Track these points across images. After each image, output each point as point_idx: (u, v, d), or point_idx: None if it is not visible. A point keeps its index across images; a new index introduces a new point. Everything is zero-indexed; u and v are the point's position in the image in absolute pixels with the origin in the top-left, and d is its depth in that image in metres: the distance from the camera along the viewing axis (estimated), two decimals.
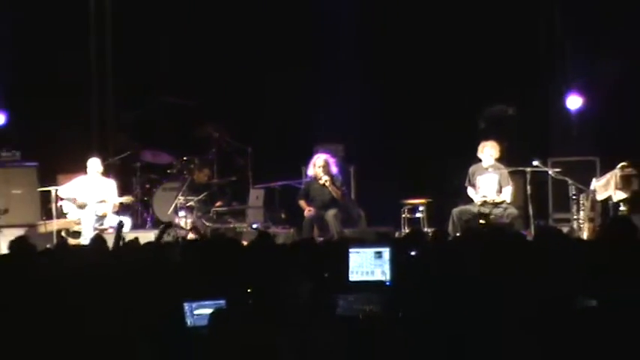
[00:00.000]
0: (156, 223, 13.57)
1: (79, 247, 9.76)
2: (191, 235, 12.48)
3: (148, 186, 14.22)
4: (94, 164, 12.97)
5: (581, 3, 13.96)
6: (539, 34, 14.35)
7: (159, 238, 9.98)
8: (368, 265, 7.09)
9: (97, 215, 12.66)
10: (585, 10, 13.91)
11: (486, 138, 12.67)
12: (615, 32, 13.48)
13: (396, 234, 12.31)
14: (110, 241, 8.78)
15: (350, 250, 7.20)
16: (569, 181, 12.53)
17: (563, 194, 12.79)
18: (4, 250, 11.53)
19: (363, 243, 8.16)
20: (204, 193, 13.55)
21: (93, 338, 5.11)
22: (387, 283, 6.96)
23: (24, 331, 5.17)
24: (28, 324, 5.22)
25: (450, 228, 11.97)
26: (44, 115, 14.19)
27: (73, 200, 12.73)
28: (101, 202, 12.74)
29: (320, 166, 12.71)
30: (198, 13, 14.76)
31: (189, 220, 13.16)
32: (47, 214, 13.02)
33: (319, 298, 5.40)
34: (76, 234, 12.62)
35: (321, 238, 11.56)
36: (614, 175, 11.97)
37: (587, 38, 13.91)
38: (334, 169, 12.81)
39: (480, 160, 12.44)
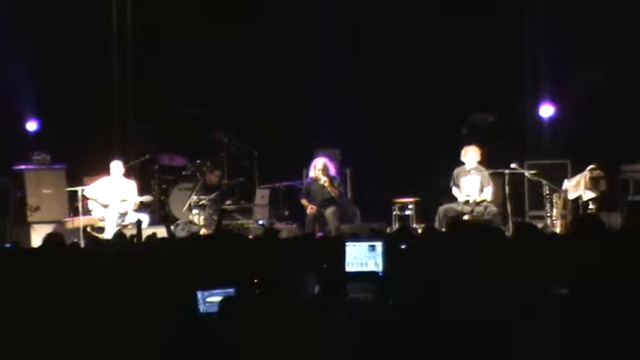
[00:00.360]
0: (172, 220, 13.57)
1: (103, 241, 9.76)
2: (204, 231, 12.49)
3: (164, 186, 14.22)
4: (117, 167, 12.96)
5: (554, 25, 14.02)
6: (517, 52, 14.38)
7: (169, 230, 9.99)
8: (362, 257, 7.06)
9: (119, 213, 12.65)
10: (558, 29, 13.98)
11: (469, 143, 12.67)
12: (583, 49, 13.49)
13: (388, 229, 12.30)
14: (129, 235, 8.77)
15: (346, 243, 7.18)
16: (544, 182, 12.53)
17: (537, 194, 12.78)
18: (37, 243, 11.58)
19: (358, 237, 8.15)
20: (216, 193, 13.53)
21: (114, 323, 5.11)
22: (380, 274, 6.94)
23: (55, 314, 5.18)
24: (59, 308, 5.23)
25: (436, 224, 11.99)
26: (72, 123, 14.20)
27: (97, 200, 12.75)
28: (123, 200, 12.73)
29: (319, 168, 12.71)
30: (209, 34, 14.71)
31: (201, 217, 13.14)
32: (74, 212, 13.02)
33: (329, 287, 5.40)
34: (100, 229, 12.61)
35: (321, 233, 11.56)
36: (583, 177, 11.98)
37: (558, 55, 13.95)
38: (332, 171, 12.81)
39: (464, 163, 12.43)
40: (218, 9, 14.83)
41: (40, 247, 7.59)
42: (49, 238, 7.51)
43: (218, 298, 5.49)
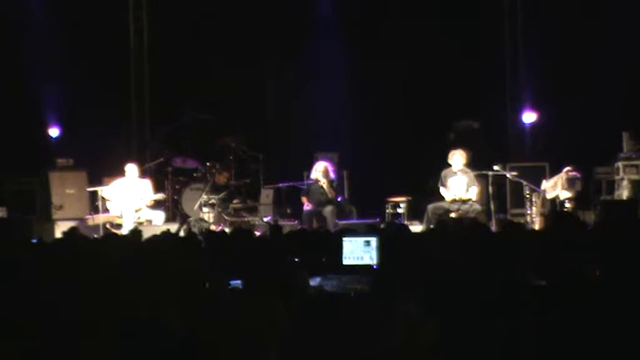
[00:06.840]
0: (184, 218, 13.57)
1: (121, 237, 9.75)
2: (213, 227, 12.47)
3: (177, 186, 14.18)
4: (131, 169, 12.98)
5: (533, 41, 14.07)
6: (500, 66, 14.41)
7: (178, 230, 9.96)
8: (358, 251, 7.07)
9: (134, 211, 12.65)
10: (536, 44, 14.02)
11: (456, 147, 12.66)
12: (560, 61, 13.51)
13: (382, 226, 12.28)
14: (146, 231, 8.73)
15: (343, 239, 7.18)
16: (524, 183, 12.52)
17: (518, 193, 12.77)
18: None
19: (354, 233, 8.13)
20: (224, 193, 13.51)
21: (129, 309, 5.07)
22: (375, 267, 6.94)
23: (75, 297, 5.15)
24: (79, 293, 5.20)
25: (425, 221, 12.00)
26: (93, 130, 14.21)
27: (113, 201, 12.77)
28: (139, 199, 12.74)
29: (320, 171, 12.76)
30: (216, 48, 14.72)
31: (211, 215, 13.13)
32: (95, 210, 13.02)
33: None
34: (118, 226, 12.60)
35: (321, 230, 11.55)
36: (560, 178, 11.99)
37: (537, 67, 13.99)
38: (332, 175, 12.84)
39: (451, 165, 12.43)
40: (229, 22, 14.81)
41: (60, 238, 7.60)
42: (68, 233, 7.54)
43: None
